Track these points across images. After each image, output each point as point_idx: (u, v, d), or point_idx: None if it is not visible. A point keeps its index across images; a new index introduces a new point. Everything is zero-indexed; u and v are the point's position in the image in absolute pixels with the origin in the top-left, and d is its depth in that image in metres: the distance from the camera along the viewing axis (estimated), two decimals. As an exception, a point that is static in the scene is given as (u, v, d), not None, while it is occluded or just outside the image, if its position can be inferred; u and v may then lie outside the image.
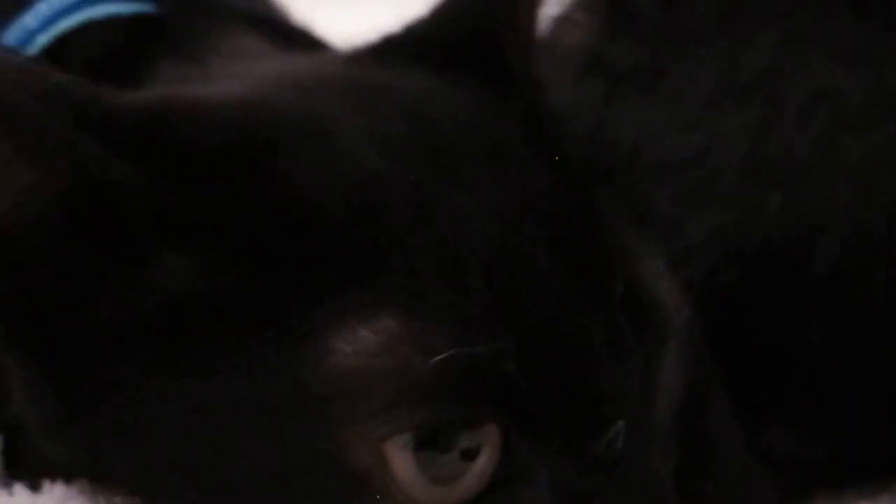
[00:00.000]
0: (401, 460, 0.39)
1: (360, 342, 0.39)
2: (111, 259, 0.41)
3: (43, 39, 0.51)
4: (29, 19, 0.51)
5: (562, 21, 0.56)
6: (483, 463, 0.39)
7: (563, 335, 0.40)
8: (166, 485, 0.42)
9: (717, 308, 0.50)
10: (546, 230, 0.42)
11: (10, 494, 0.46)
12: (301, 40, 0.57)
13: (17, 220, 0.40)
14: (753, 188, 0.52)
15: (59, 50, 0.51)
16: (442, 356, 0.38)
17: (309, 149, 0.42)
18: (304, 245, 0.40)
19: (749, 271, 0.52)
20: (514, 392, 0.39)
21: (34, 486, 0.46)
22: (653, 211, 0.52)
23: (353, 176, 0.42)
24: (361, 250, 0.40)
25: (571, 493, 0.40)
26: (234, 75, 0.49)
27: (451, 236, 0.41)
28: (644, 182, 0.53)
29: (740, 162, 0.52)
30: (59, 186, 0.39)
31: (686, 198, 0.52)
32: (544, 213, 0.43)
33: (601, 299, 0.42)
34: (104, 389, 0.41)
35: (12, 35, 0.51)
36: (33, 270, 0.41)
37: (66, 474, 0.47)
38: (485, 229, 0.41)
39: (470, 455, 0.39)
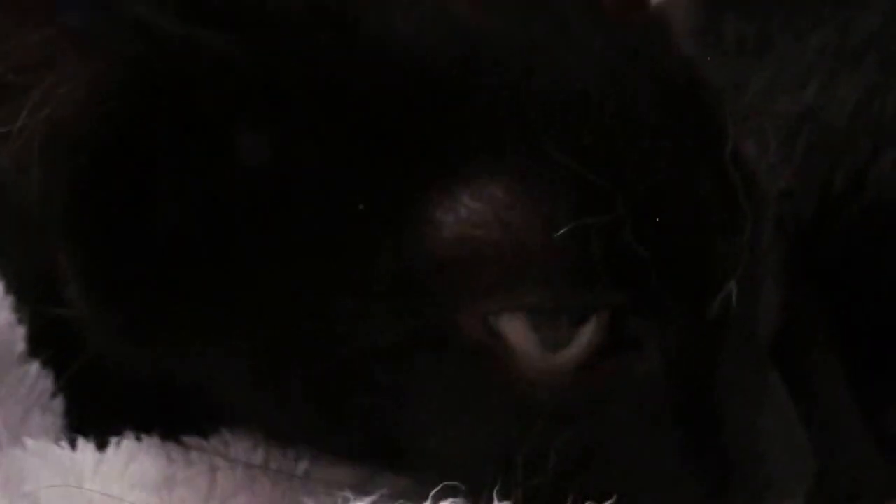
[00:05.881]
0: (513, 331, 0.36)
1: (466, 212, 0.35)
2: (181, 138, 0.37)
3: None
4: None
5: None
6: (592, 327, 0.36)
7: (676, 195, 0.37)
8: (245, 380, 0.38)
9: (830, 273, 0.48)
10: (653, 86, 0.39)
11: (75, 451, 0.42)
12: None
13: (78, 107, 0.36)
14: (865, 146, 0.50)
15: None
16: (561, 231, 0.35)
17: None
18: (398, 103, 0.36)
19: (858, 234, 0.50)
20: (631, 263, 0.36)
21: (101, 444, 0.42)
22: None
23: (449, 24, 0.37)
24: (463, 108, 0.36)
25: (683, 357, 0.37)
26: None
27: (560, 94, 0.37)
28: (752, 139, 0.50)
29: (850, 120, 0.50)
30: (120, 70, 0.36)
31: (799, 149, 0.50)
32: (650, 69, 0.39)
33: (713, 155, 0.38)
34: (173, 288, 0.38)
35: None
36: (95, 157, 0.37)
37: (136, 429, 0.43)
38: (591, 86, 0.37)
39: (580, 319, 0.36)
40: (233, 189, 0.37)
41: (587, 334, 0.36)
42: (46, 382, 0.48)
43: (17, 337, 0.49)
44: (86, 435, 0.43)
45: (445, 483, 0.36)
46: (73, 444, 0.42)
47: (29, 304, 0.49)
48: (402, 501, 0.37)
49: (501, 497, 0.36)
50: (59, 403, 0.47)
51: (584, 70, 0.38)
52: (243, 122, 0.37)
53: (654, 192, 0.36)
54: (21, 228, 0.45)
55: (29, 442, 0.43)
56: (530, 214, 0.35)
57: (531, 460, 0.36)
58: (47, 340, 0.48)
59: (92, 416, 0.45)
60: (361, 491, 0.37)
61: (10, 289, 0.50)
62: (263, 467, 0.41)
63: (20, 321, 0.49)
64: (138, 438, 0.42)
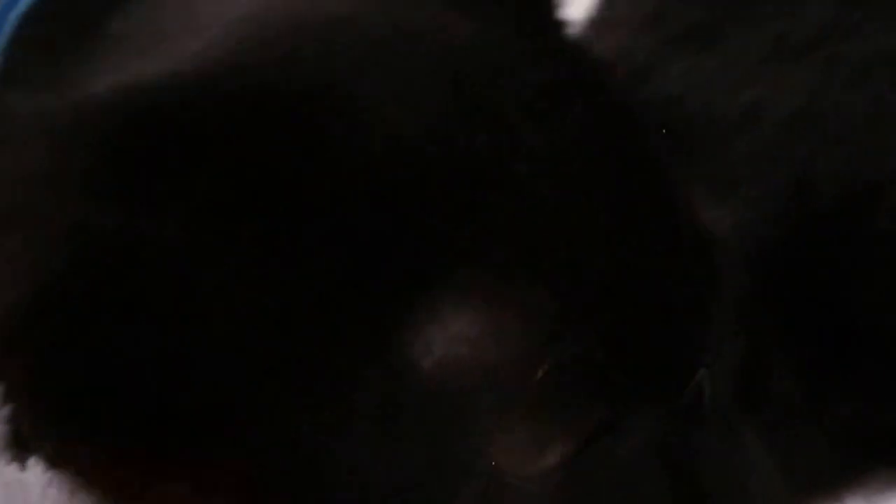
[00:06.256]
0: (499, 448, 0.36)
1: (438, 351, 0.35)
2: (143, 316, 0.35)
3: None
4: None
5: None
6: (573, 436, 0.37)
7: (640, 295, 0.37)
8: None
9: (774, 269, 0.48)
10: (608, 184, 0.38)
11: (23, 470, 0.42)
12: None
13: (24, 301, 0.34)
14: (808, 144, 0.50)
15: None
16: (541, 372, 0.35)
17: (339, 120, 0.36)
18: (355, 241, 0.35)
19: (806, 230, 0.50)
20: (603, 374, 0.36)
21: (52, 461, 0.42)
22: (703, 168, 0.50)
23: (397, 148, 0.35)
24: (420, 237, 0.35)
25: (663, 443, 0.38)
26: (200, 23, 0.39)
27: (516, 210, 0.36)
28: (694, 138, 0.50)
29: (793, 118, 0.51)
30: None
31: (739, 154, 0.50)
32: (602, 165, 0.39)
33: (673, 247, 0.39)
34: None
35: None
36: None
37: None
38: (547, 196, 0.36)
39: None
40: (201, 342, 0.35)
41: (568, 442, 0.36)
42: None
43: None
44: (35, 449, 0.43)
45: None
46: (21, 461, 0.42)
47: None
48: None
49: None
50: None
51: (535, 180, 0.37)
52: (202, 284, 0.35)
53: (618, 301, 0.36)
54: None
55: (-22, 462, 0.43)
56: (505, 350, 0.35)
57: None
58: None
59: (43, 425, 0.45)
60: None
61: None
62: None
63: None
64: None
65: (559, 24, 0.43)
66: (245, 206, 0.35)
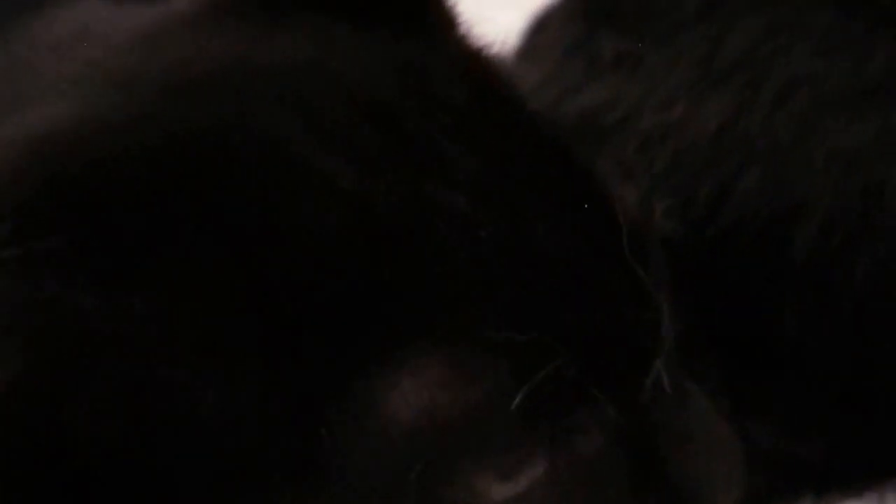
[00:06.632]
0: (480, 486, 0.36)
1: (400, 402, 0.34)
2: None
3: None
4: None
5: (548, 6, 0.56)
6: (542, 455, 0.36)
7: (593, 307, 0.37)
8: None
9: (693, 292, 0.48)
10: (540, 202, 0.38)
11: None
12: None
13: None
14: (733, 160, 0.51)
15: None
16: (514, 409, 0.34)
17: (269, 176, 0.34)
18: (302, 307, 0.33)
19: (724, 250, 0.50)
20: (573, 385, 0.36)
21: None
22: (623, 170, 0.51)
23: (335, 200, 0.34)
24: (368, 290, 0.34)
25: (628, 436, 0.38)
26: (51, 86, 0.36)
27: (462, 247, 0.35)
28: (612, 154, 0.51)
29: (718, 134, 0.51)
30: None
31: (661, 164, 0.51)
32: (531, 182, 0.38)
33: (615, 251, 0.38)
34: None
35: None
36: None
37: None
38: (488, 226, 0.36)
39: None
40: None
41: (545, 456, 0.36)
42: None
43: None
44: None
45: None
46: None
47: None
48: None
49: None
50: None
51: (473, 212, 0.36)
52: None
53: (574, 317, 0.36)
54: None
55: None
56: (467, 395, 0.35)
57: None
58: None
59: None
60: None
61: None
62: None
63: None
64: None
65: (459, 39, 0.43)
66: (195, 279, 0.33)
